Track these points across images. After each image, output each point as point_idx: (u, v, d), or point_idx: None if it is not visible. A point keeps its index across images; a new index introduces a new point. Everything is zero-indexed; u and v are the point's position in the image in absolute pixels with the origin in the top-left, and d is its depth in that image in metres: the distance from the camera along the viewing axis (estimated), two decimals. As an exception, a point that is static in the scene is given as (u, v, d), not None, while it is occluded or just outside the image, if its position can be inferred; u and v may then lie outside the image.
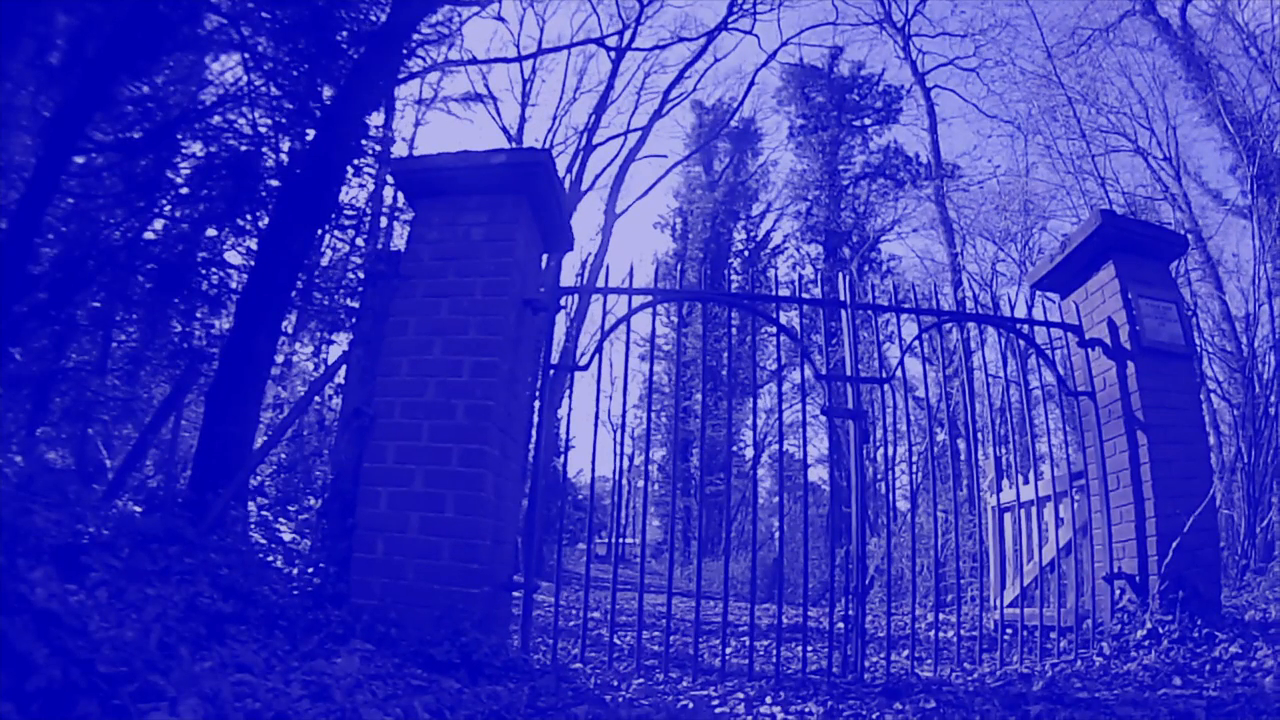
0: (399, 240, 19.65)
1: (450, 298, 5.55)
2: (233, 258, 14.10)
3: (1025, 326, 6.99)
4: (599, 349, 5.97)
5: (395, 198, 19.36)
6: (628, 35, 29.15)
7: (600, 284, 6.38)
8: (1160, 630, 5.79)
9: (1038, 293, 7.63)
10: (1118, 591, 6.35)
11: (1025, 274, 24.56)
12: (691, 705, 4.51)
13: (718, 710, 4.52)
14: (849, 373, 6.36)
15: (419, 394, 5.38)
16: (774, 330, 6.82)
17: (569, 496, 24.14)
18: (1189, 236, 18.58)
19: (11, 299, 10.91)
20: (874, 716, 4.29)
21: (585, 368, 6.01)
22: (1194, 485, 6.26)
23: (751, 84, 33.43)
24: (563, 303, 6.43)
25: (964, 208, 28.09)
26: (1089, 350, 6.92)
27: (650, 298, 6.19)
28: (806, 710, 4.54)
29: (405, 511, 5.19)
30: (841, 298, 6.56)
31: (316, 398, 13.68)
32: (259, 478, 11.84)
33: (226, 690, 3.28)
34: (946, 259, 27.88)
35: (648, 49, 30.34)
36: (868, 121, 38.01)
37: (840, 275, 6.68)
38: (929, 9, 33.65)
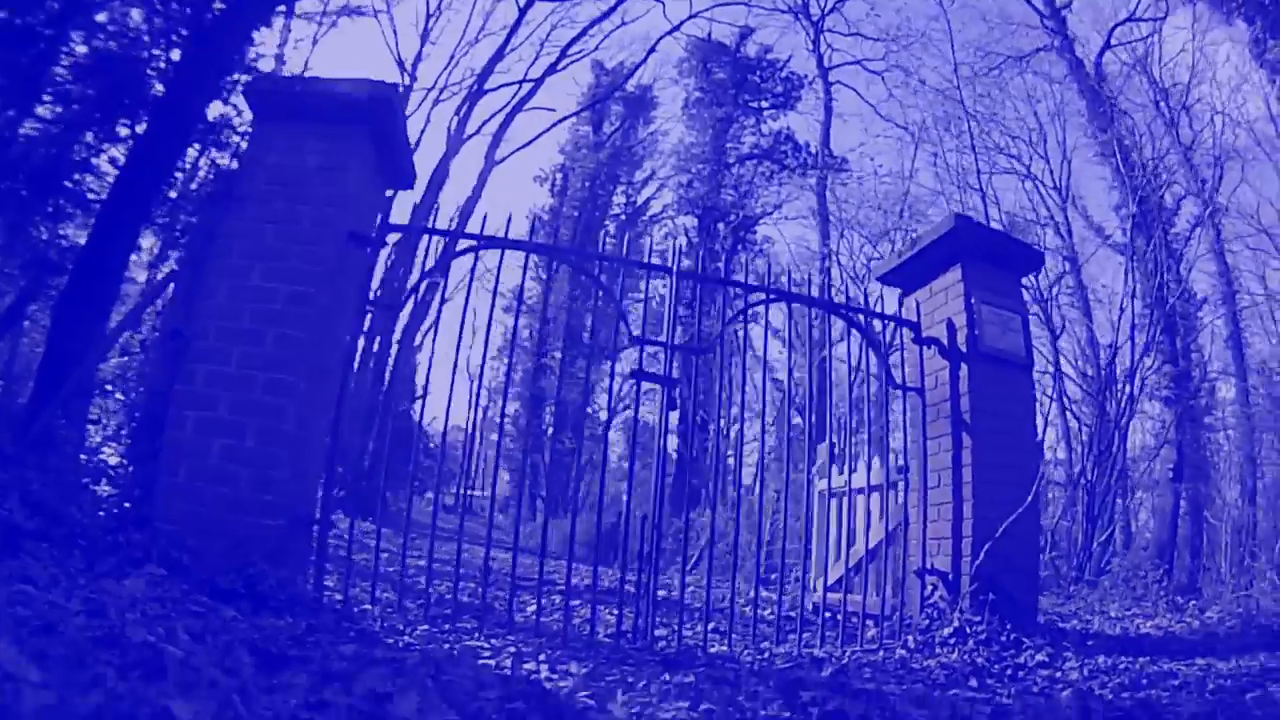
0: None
1: (278, 224, 5.43)
2: (101, 165, 13.73)
3: (860, 316, 7.08)
4: (414, 290, 5.91)
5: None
6: None
7: (474, 232, 6.27)
8: (967, 630, 5.90)
9: (883, 286, 7.75)
10: (930, 587, 6.46)
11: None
12: (457, 653, 4.49)
13: (483, 661, 4.50)
14: (665, 339, 6.39)
15: (234, 319, 5.26)
16: (642, 296, 6.85)
17: (421, 443, 23.96)
18: (1066, 264, 19.29)
19: None
20: (640, 683, 4.29)
21: (400, 307, 5.94)
22: (1016, 493, 6.39)
23: (653, 49, 33.28)
24: (387, 239, 6.33)
25: (844, 201, 28.46)
26: (924, 348, 7.04)
27: (474, 243, 6.12)
28: (569, 670, 4.55)
29: (209, 438, 5.09)
30: (668, 264, 6.61)
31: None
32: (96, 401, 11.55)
33: (2, 597, 3.23)
34: (819, 248, 28.31)
35: (559, 0, 30.06)
36: (765, 105, 38.14)
37: (671, 243, 6.72)
38: (847, 8, 34.07)
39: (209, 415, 5.12)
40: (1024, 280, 8.29)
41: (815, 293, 6.86)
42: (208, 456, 5.06)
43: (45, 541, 4.39)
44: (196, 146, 14.88)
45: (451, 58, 30.60)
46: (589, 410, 32.57)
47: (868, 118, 47.74)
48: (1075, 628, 6.73)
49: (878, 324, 7.27)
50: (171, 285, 6.21)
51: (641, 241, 33.76)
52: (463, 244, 6.15)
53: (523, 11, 28.46)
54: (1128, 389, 13.59)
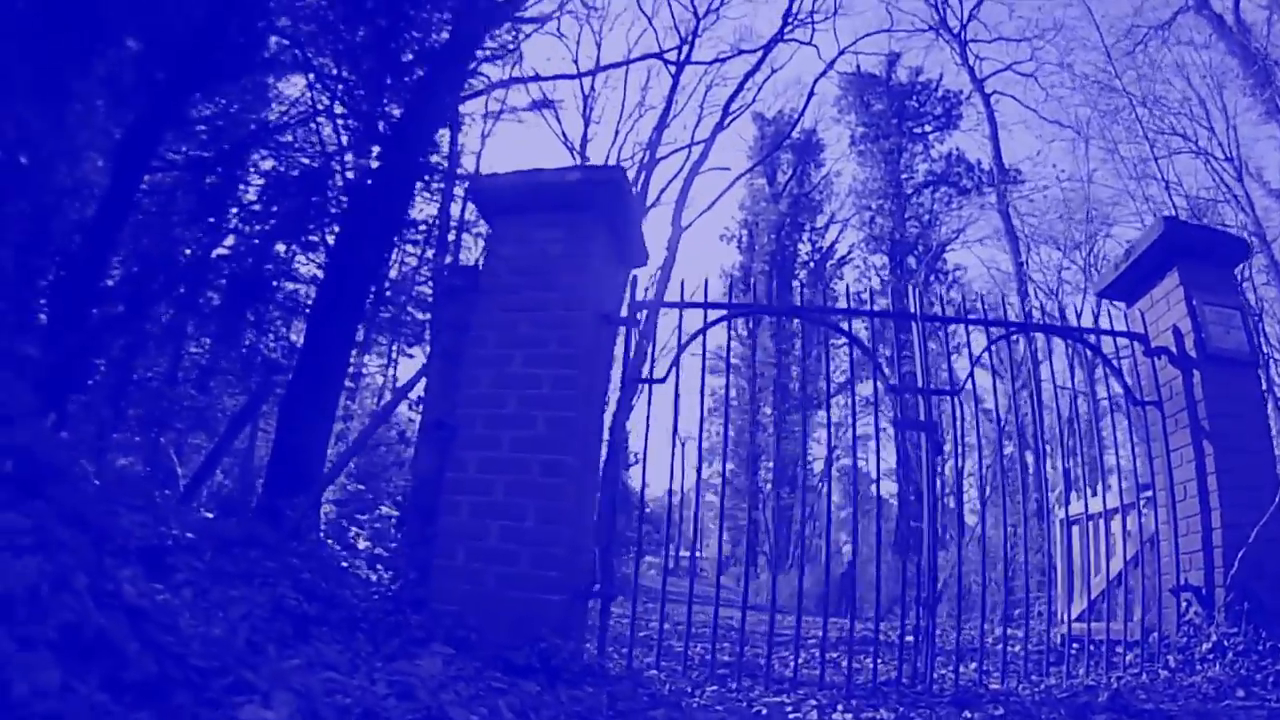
0: (467, 254, 19.93)
1: (529, 312, 5.70)
2: (307, 271, 14.51)
3: (1092, 336, 6.96)
4: (675, 362, 6.06)
5: (463, 212, 19.56)
6: (685, 49, 29.34)
7: (673, 298, 6.46)
8: (1226, 643, 5.72)
9: (1104, 301, 7.62)
10: (1184, 604, 6.27)
11: (1090, 281, 24.38)
12: (765, 711, 4.59)
13: (791, 715, 4.60)
14: (920, 385, 6.39)
15: (500, 406, 5.52)
16: (843, 343, 6.88)
17: (642, 509, 24.22)
18: (1253, 240, 18.30)
19: (86, 313, 11.23)
20: (952, 723, 4.35)
21: (663, 380, 6.08)
22: (1260, 494, 6.15)
23: (811, 94, 33.21)
24: (638, 316, 6.52)
25: (1028, 215, 27.90)
26: (1155, 359, 6.86)
27: (724, 311, 6.29)
28: (878, 717, 4.61)
29: (486, 520, 5.33)
30: (911, 309, 6.62)
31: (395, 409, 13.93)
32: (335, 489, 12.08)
33: (316, 686, 3.39)
34: (1012, 268, 27.70)
35: (707, 62, 30.44)
36: (928, 129, 37.80)
37: (910, 287, 6.74)
38: (983, 13, 33.45)
39: (485, 499, 5.37)
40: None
41: (1020, 315, 6.81)
42: (486, 538, 5.30)
43: (326, 626, 4.61)
44: (407, 246, 15.73)
45: (616, 133, 31.48)
46: (803, 463, 32.36)
47: (1033, 123, 46.68)
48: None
49: (1106, 342, 7.14)
50: (424, 380, 6.45)
51: (833, 286, 33.87)
52: (714, 314, 6.31)
53: (675, 77, 29.01)
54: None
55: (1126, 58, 24.65)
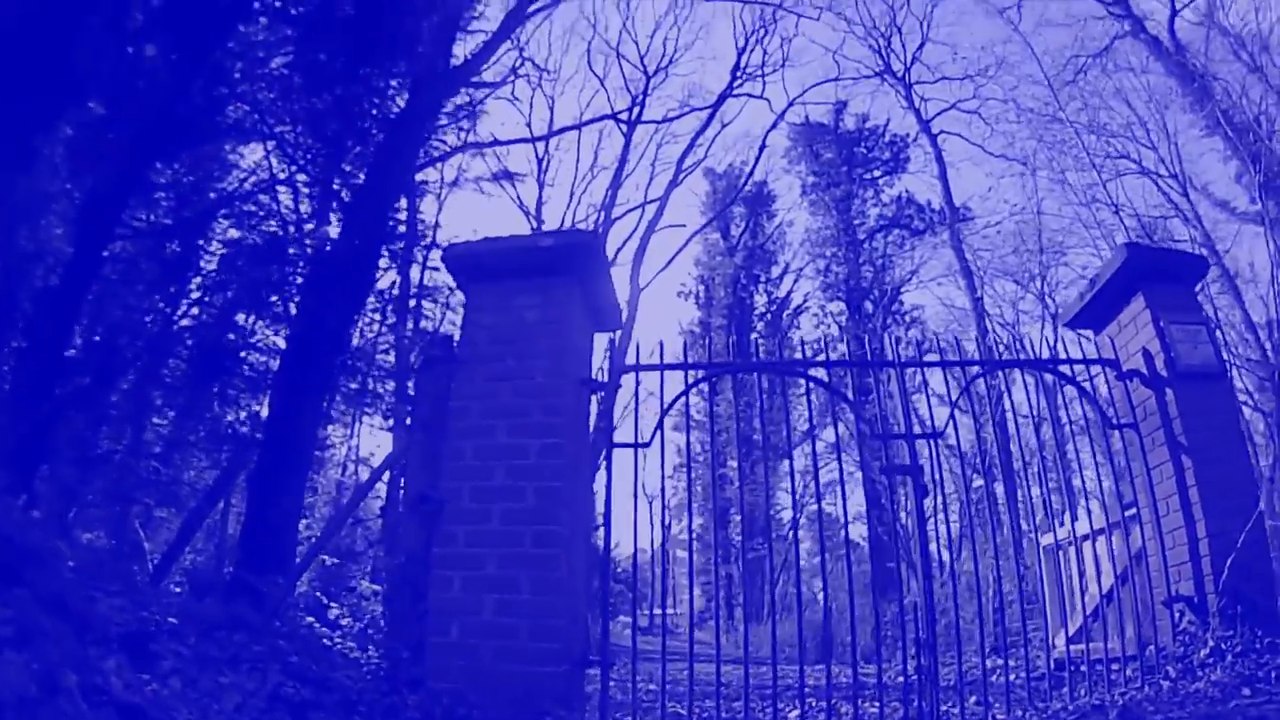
0: (429, 322, 19.97)
1: (510, 381, 5.67)
2: (270, 341, 14.43)
3: (1065, 366, 7.07)
4: (660, 425, 6.03)
5: (422, 278, 19.59)
6: (636, 109, 29.91)
7: (633, 358, 6.45)
8: (1223, 647, 5.82)
9: (1073, 331, 7.74)
10: (1177, 615, 6.36)
11: (1049, 311, 24.65)
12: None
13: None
14: (903, 430, 6.41)
15: (487, 478, 5.47)
16: (803, 392, 6.92)
17: (613, 570, 24.15)
18: (1204, 251, 18.59)
19: (51, 384, 11.10)
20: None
21: (649, 445, 6.05)
22: (1241, 501, 6.30)
23: (763, 147, 33.55)
24: (619, 381, 6.51)
25: (981, 250, 28.42)
26: (1128, 382, 7.00)
27: (703, 372, 6.29)
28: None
29: (479, 594, 5.27)
30: (889, 357, 6.69)
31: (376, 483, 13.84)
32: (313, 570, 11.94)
33: None
34: (969, 304, 28.10)
35: (658, 121, 31.02)
36: (877, 173, 38.25)
37: (879, 333, 6.79)
38: (926, 55, 34.04)
39: (477, 573, 5.31)
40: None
41: (980, 351, 6.89)
42: (481, 612, 5.23)
43: (322, 711, 4.54)
44: (375, 315, 15.67)
45: (571, 194, 31.78)
46: (771, 513, 32.40)
47: (980, 159, 47.38)
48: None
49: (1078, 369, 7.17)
50: (401, 453, 6.42)
51: (793, 335, 34.09)
52: (694, 374, 6.31)
53: (628, 137, 29.51)
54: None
55: (1068, 87, 25.32)
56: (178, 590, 10.80)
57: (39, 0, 9.46)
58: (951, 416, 6.61)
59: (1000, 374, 7.19)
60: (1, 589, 3.77)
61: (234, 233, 14.96)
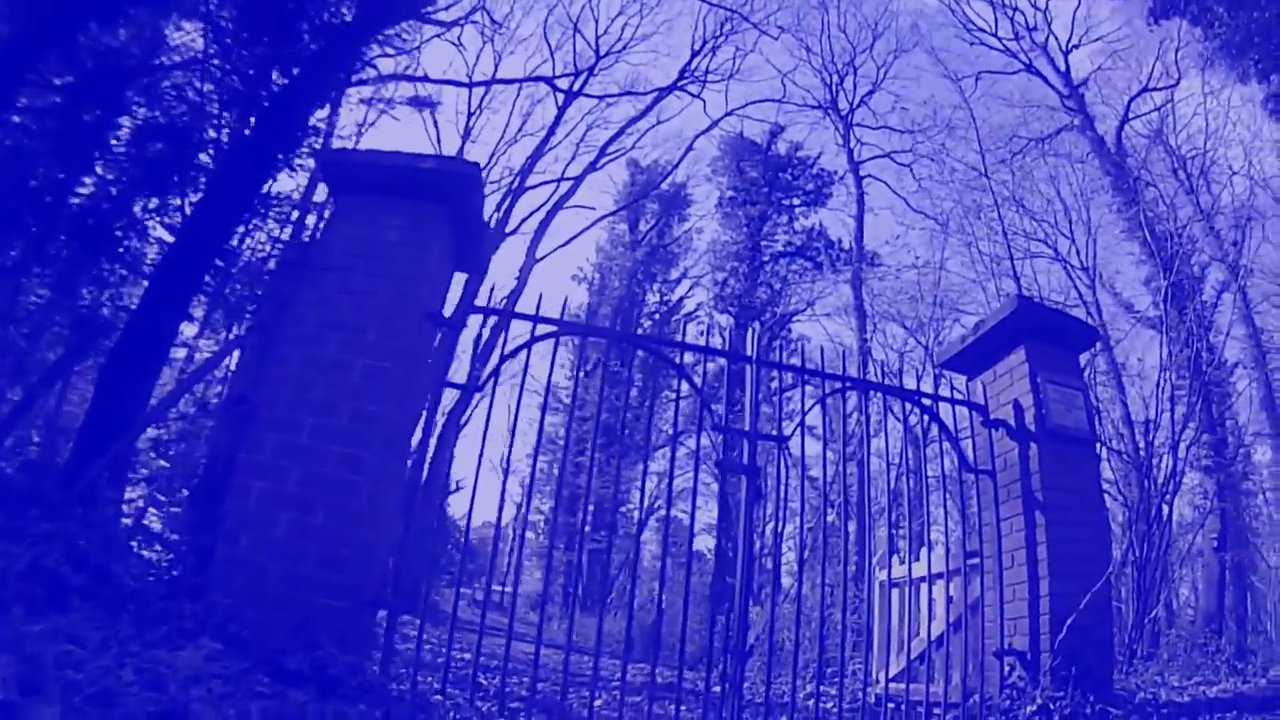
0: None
1: (355, 296, 5.40)
2: (156, 233, 13.93)
3: (928, 400, 7.05)
4: (495, 372, 5.77)
5: (315, 188, 19.20)
6: (579, 82, 29.76)
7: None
8: (1051, 705, 5.82)
9: (944, 372, 7.72)
10: (1008, 668, 6.37)
11: (931, 361, 25.08)
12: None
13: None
14: (747, 428, 6.29)
15: (306, 389, 5.17)
16: (673, 395, 6.79)
17: (450, 536, 23.94)
18: (1098, 336, 19.12)
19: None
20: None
21: (480, 388, 5.80)
22: (1090, 567, 6.37)
23: (690, 148, 33.97)
24: (465, 321, 6.27)
25: (879, 295, 28.88)
26: (992, 430, 7.03)
27: (554, 328, 6.05)
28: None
29: (275, 510, 4.95)
30: (748, 352, 6.58)
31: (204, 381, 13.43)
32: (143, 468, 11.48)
33: (50, 656, 3.10)
34: (855, 343, 28.56)
35: (597, 97, 31.03)
36: (796, 202, 38.56)
37: (750, 329, 6.65)
38: (875, 101, 34.47)
39: (277, 487, 4.99)
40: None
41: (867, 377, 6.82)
42: (274, 528, 4.92)
43: (90, 601, 4.27)
44: (256, 220, 15.14)
45: (493, 155, 31.32)
46: (621, 509, 32.44)
47: (899, 210, 48.21)
48: (1144, 699, 6.58)
49: (944, 409, 7.19)
50: (236, 353, 6.12)
51: (673, 333, 34.04)
52: (542, 329, 6.05)
53: (561, 108, 29.34)
54: (1170, 462, 13.54)
55: (1002, 163, 25.90)
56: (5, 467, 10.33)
57: None
58: (801, 424, 6.54)
59: (871, 407, 7.13)
60: None
61: (146, 113, 14.34)
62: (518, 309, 6.18)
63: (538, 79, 29.63)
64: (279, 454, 5.05)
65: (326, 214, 18.50)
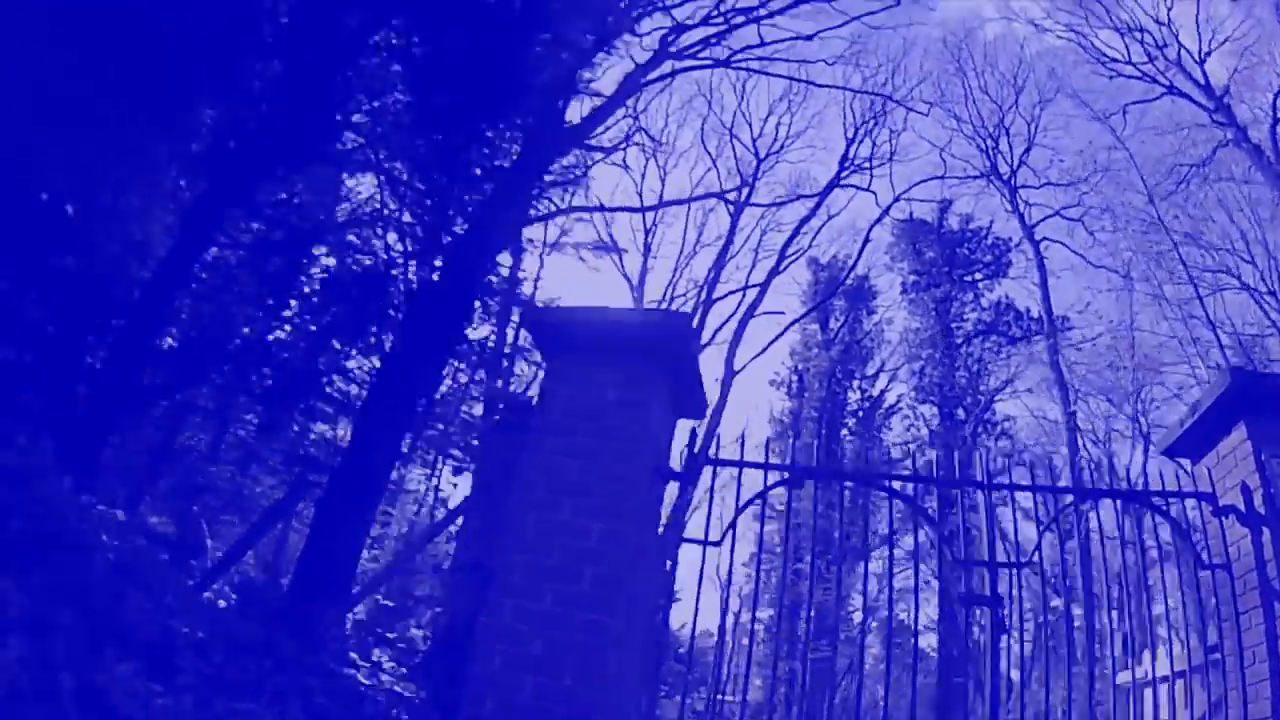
0: (518, 382, 20.11)
1: (581, 459, 5.49)
2: (358, 372, 14.63)
3: (1159, 498, 6.66)
4: (733, 525, 5.82)
5: (517, 337, 19.75)
6: (746, 190, 30.59)
7: (734, 456, 6.23)
8: None
9: (1171, 459, 7.41)
10: None
11: (1141, 430, 24.15)
12: None
13: None
14: (983, 551, 6.15)
15: (544, 555, 5.28)
16: (885, 496, 6.70)
17: (671, 649, 23.97)
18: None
19: (138, 375, 11.24)
20: None
21: (719, 543, 5.83)
22: None
23: (866, 240, 34.22)
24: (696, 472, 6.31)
25: (1076, 364, 28.19)
26: (1223, 519, 6.52)
27: (784, 474, 6.07)
28: None
29: (520, 674, 5.03)
30: (975, 474, 6.44)
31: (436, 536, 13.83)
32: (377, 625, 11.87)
33: None
34: (1061, 417, 27.79)
35: (766, 204, 31.82)
36: (978, 276, 38.02)
37: (974, 446, 6.54)
38: (1032, 159, 33.74)
39: (520, 651, 5.08)
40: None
41: (1071, 469, 6.62)
42: (519, 692, 4.99)
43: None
44: (457, 362, 15.75)
45: (675, 269, 32.42)
46: (843, 613, 31.98)
47: (1080, 268, 46.99)
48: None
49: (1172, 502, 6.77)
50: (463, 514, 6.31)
51: (882, 436, 33.79)
52: (774, 475, 6.08)
53: (734, 218, 30.17)
54: None
55: (1169, 198, 25.14)
56: (222, 603, 10.79)
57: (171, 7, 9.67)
58: (1038, 548, 6.34)
59: (1092, 505, 6.89)
60: (25, 572, 3.68)
61: (334, 261, 15.17)
62: (743, 446, 6.16)
63: (709, 195, 30.59)
64: (520, 619, 5.15)
65: (526, 360, 19.30)
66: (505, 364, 18.81)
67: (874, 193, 32.36)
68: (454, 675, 5.43)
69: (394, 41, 14.06)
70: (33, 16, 8.48)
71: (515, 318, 17.99)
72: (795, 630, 32.14)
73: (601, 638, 5.05)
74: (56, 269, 10.05)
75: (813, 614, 28.13)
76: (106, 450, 10.87)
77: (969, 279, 37.68)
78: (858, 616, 31.50)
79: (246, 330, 14.50)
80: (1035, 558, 6.41)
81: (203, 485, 14.25)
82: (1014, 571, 6.38)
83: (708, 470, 6.20)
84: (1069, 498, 6.71)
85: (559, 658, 5.03)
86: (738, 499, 5.99)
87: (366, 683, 7.81)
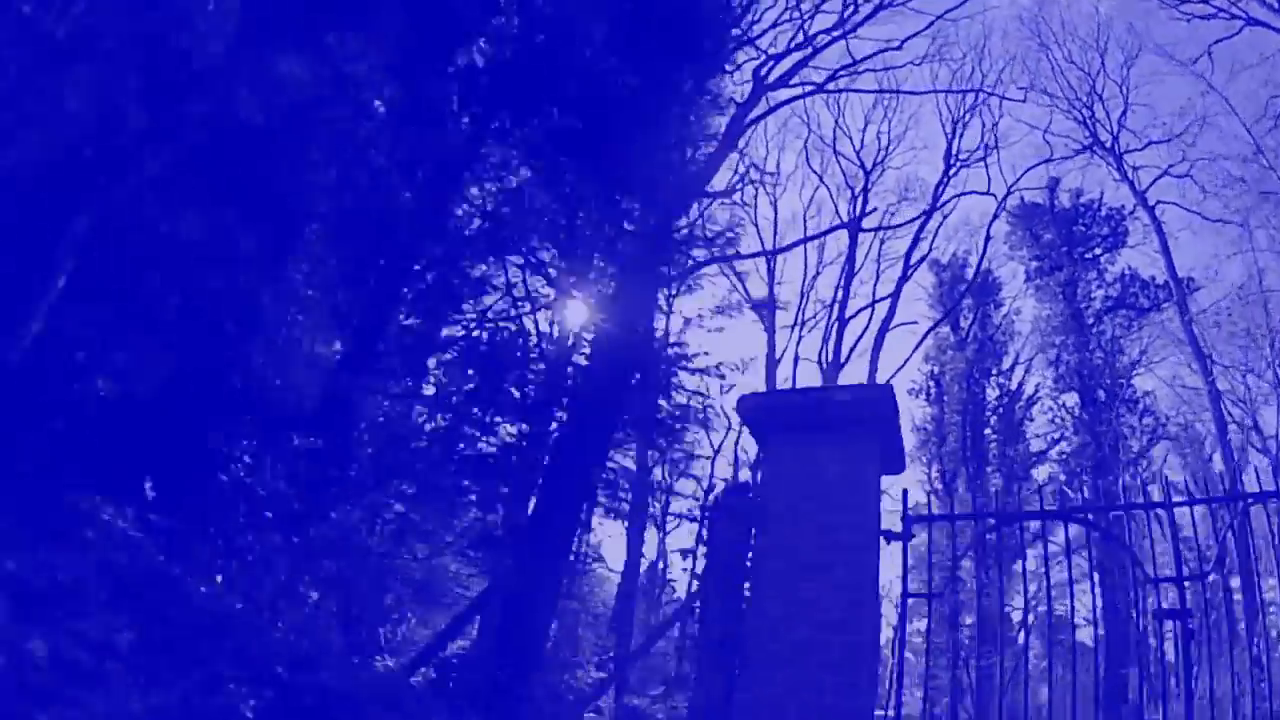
0: (686, 446, 20.60)
1: (815, 535, 5.83)
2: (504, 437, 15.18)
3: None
4: (954, 577, 6.13)
5: (670, 396, 20.09)
6: (859, 204, 31.41)
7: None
8: None
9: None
10: None
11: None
12: None
13: None
14: (1175, 573, 6.21)
15: (791, 630, 5.61)
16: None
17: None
18: None
19: (327, 482, 11.81)
20: None
21: (941, 595, 6.14)
22: None
23: (988, 238, 34.46)
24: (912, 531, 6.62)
25: (1208, 326, 27.50)
26: None
27: (991, 520, 6.35)
28: None
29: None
30: (1156, 497, 6.45)
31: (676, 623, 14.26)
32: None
33: None
34: (1201, 383, 27.21)
35: (885, 228, 34.07)
36: (1098, 251, 36.81)
37: (1159, 479, 6.69)
38: (1130, 121, 32.73)
39: (778, 717, 5.45)
40: None
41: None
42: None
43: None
44: (630, 432, 16.23)
45: (802, 294, 32.94)
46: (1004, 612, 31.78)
47: (1197, 226, 45.88)
48: None
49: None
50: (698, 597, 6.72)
51: (1025, 428, 33.51)
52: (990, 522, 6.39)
53: (852, 240, 32.20)
54: None
55: (1271, 132, 24.43)
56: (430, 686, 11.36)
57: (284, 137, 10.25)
58: (1221, 558, 6.46)
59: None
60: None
61: (486, 340, 15.75)
62: (953, 503, 6.47)
63: (831, 229, 31.99)
64: (777, 690, 5.52)
65: (700, 419, 19.69)
66: (673, 429, 19.21)
67: (994, 195, 32.51)
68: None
69: (506, 125, 14.55)
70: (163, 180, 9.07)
71: (673, 378, 18.40)
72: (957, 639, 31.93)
73: (854, 699, 5.41)
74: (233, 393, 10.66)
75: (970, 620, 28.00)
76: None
77: (1089, 255, 36.78)
78: (1016, 615, 31.14)
79: (423, 423, 15.14)
80: (1215, 565, 6.51)
81: (397, 580, 14.82)
82: (1203, 584, 6.47)
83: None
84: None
85: (815, 720, 5.41)
86: (954, 552, 6.29)
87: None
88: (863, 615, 5.60)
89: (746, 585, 6.03)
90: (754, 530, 6.12)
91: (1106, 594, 23.09)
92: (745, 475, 26.45)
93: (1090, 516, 6.82)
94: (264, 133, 9.50)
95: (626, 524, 22.45)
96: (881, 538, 6.02)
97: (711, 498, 9.27)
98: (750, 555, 6.06)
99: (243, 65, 8.85)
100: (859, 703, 5.41)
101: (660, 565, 33.99)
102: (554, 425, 14.10)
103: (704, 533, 10.51)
